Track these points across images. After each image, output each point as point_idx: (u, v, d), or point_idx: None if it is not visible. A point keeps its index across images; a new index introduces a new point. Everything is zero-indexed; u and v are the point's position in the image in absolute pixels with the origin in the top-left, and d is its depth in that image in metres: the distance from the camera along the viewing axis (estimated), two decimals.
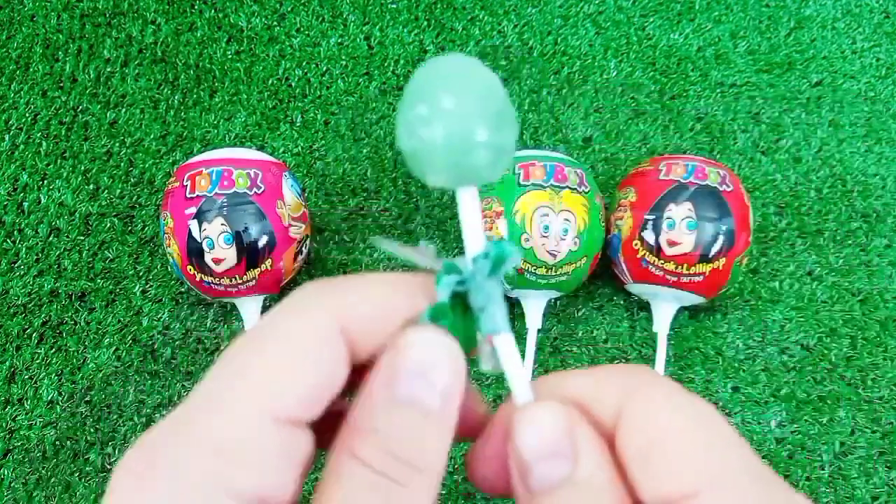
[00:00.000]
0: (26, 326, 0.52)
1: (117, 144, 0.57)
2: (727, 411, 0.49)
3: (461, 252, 0.18)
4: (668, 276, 0.46)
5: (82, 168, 0.56)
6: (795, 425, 0.49)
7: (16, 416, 0.49)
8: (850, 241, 0.54)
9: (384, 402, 0.16)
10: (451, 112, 0.15)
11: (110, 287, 0.53)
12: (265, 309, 0.51)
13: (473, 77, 0.16)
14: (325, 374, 0.16)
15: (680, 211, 0.45)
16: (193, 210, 0.44)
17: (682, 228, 0.45)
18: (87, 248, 0.54)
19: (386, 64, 0.60)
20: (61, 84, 0.60)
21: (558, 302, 0.52)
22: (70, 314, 0.52)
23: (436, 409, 0.16)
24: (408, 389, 0.16)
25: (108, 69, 0.60)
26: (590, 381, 0.18)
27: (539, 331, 0.51)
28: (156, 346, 0.51)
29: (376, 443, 0.16)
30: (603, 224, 0.48)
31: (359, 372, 0.17)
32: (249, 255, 0.45)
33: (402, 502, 0.15)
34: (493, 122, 0.16)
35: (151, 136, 0.57)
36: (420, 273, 0.18)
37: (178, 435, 0.15)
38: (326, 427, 0.17)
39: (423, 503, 0.16)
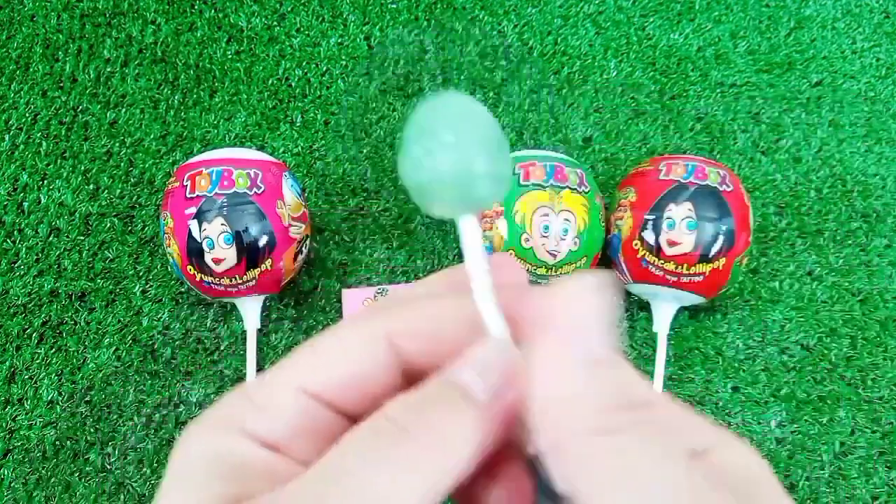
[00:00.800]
0: (26, 326, 0.52)
1: (117, 144, 0.57)
2: (727, 411, 0.49)
3: (461, 256, 0.19)
4: (668, 276, 0.46)
5: (82, 168, 0.56)
6: (795, 425, 0.49)
7: (16, 416, 0.49)
8: (850, 241, 0.54)
9: (433, 380, 0.17)
10: (456, 146, 0.17)
11: (110, 287, 0.53)
12: (265, 309, 0.51)
13: (472, 113, 0.18)
14: (361, 368, 0.18)
15: (680, 211, 0.45)
16: (193, 210, 0.44)
17: (682, 228, 0.45)
18: (87, 248, 0.54)
19: (386, 64, 0.60)
20: (61, 84, 0.60)
21: None
22: (70, 314, 0.52)
23: (478, 400, 0.16)
24: (458, 375, 0.17)
25: (108, 69, 0.60)
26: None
27: None
28: (156, 346, 0.51)
29: (405, 401, 0.16)
30: (603, 224, 0.48)
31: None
32: (249, 255, 0.45)
33: (400, 454, 0.15)
34: (492, 154, 0.17)
35: (151, 136, 0.57)
36: (466, 293, 0.19)
37: (237, 391, 0.18)
38: None
39: (427, 469, 0.15)
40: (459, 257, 0.53)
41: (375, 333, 0.18)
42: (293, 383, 0.17)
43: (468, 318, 0.18)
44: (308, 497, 0.15)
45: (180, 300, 0.52)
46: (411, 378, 0.18)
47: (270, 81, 0.59)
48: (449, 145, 0.17)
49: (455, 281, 0.19)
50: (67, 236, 0.54)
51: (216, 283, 0.46)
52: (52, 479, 0.48)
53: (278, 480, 0.16)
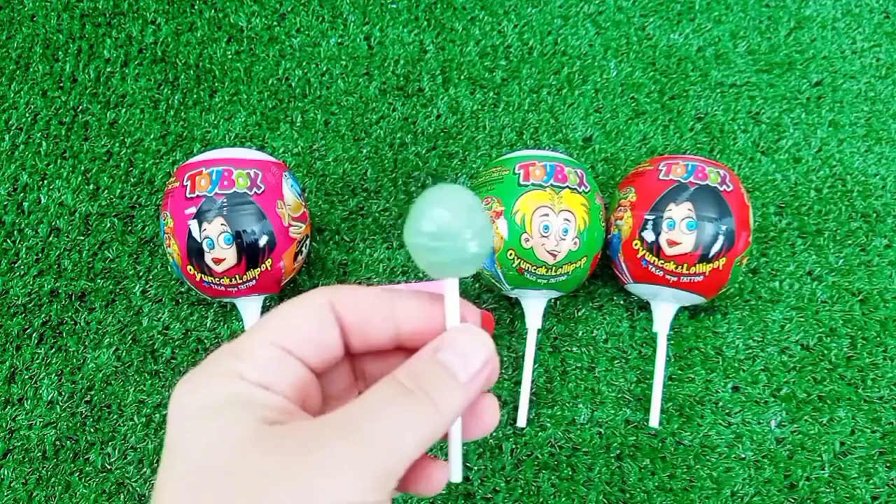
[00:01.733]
0: (26, 326, 0.52)
1: (117, 144, 0.57)
2: (727, 411, 0.49)
3: None
4: (668, 276, 0.46)
5: (82, 168, 0.56)
6: (795, 425, 0.49)
7: (16, 416, 0.49)
8: (850, 241, 0.54)
9: (427, 357, 0.22)
10: (455, 233, 0.22)
11: (110, 287, 0.53)
12: (265, 309, 0.51)
13: (469, 204, 0.23)
14: (315, 327, 0.22)
15: (680, 211, 0.45)
16: (193, 210, 0.44)
17: (682, 228, 0.45)
18: (87, 248, 0.54)
19: (386, 64, 0.60)
20: (61, 84, 0.60)
21: (558, 302, 0.52)
22: (70, 314, 0.52)
23: (462, 381, 0.21)
24: (447, 357, 0.22)
25: (108, 69, 0.60)
26: None
27: (539, 330, 0.51)
28: (156, 346, 0.51)
29: (409, 371, 0.21)
30: (603, 224, 0.48)
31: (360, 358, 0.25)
32: (249, 255, 0.45)
33: (409, 406, 0.20)
34: (480, 237, 0.22)
35: (151, 136, 0.57)
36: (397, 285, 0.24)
37: (217, 353, 0.22)
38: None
39: (426, 424, 0.21)
40: None
41: (322, 301, 0.23)
42: (268, 339, 0.22)
43: (396, 302, 0.23)
44: (348, 424, 0.20)
45: (180, 300, 0.52)
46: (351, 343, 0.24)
47: (270, 81, 0.59)
48: (450, 233, 0.22)
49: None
50: (67, 236, 0.54)
51: (216, 283, 0.46)
52: (52, 479, 0.48)
53: (290, 413, 0.21)
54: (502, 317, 0.52)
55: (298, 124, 0.58)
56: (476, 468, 0.48)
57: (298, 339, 0.22)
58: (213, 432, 0.19)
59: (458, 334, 0.22)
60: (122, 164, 0.56)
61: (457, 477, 0.24)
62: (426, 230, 0.22)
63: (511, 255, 0.46)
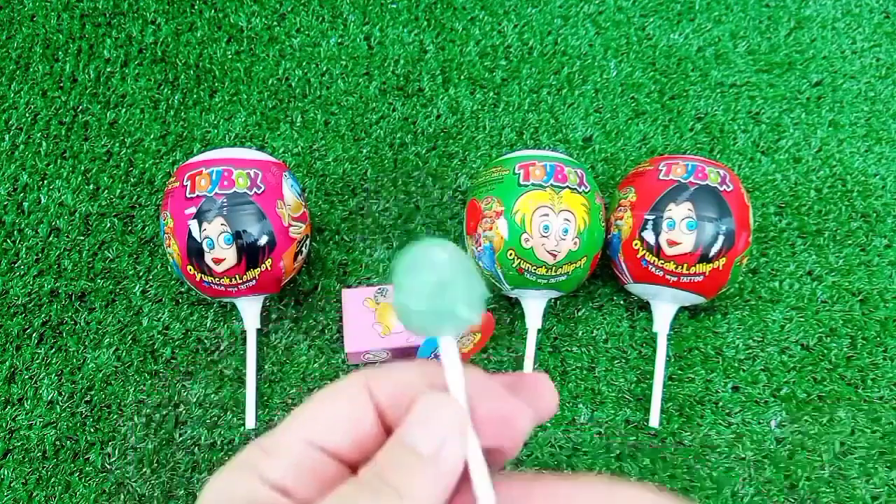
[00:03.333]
0: (26, 326, 0.52)
1: (117, 144, 0.57)
2: (727, 411, 0.49)
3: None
4: (668, 276, 0.46)
5: (82, 168, 0.56)
6: (795, 425, 0.49)
7: (16, 416, 0.49)
8: (850, 241, 0.54)
9: (392, 441, 0.20)
10: (443, 294, 0.21)
11: (110, 287, 0.53)
12: (265, 308, 0.51)
13: (456, 261, 0.21)
14: (347, 419, 0.21)
15: (680, 211, 0.45)
16: (193, 210, 0.44)
17: (682, 228, 0.45)
18: (87, 248, 0.54)
19: (386, 64, 0.60)
20: (61, 84, 0.60)
21: (558, 302, 0.52)
22: (70, 314, 0.52)
23: (428, 453, 0.19)
24: (408, 434, 0.20)
25: (108, 69, 0.60)
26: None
27: (539, 331, 0.51)
28: (156, 346, 0.51)
29: (372, 463, 0.20)
30: (603, 224, 0.48)
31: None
32: (249, 254, 0.45)
33: (366, 502, 0.19)
34: (469, 294, 0.21)
35: (151, 136, 0.57)
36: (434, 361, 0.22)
37: (251, 445, 0.22)
38: None
39: None
40: None
41: (357, 383, 0.22)
42: (299, 435, 0.21)
43: (430, 371, 0.22)
44: None
45: (180, 300, 0.52)
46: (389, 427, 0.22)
47: (270, 81, 0.59)
48: (437, 293, 0.21)
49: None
50: (67, 236, 0.54)
51: (216, 283, 0.46)
52: (52, 479, 0.48)
53: None
54: (502, 317, 0.52)
55: (298, 124, 0.58)
56: None
57: (331, 429, 0.21)
58: None
59: (419, 405, 0.20)
60: (122, 164, 0.56)
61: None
62: (418, 298, 0.21)
63: (511, 255, 0.46)
